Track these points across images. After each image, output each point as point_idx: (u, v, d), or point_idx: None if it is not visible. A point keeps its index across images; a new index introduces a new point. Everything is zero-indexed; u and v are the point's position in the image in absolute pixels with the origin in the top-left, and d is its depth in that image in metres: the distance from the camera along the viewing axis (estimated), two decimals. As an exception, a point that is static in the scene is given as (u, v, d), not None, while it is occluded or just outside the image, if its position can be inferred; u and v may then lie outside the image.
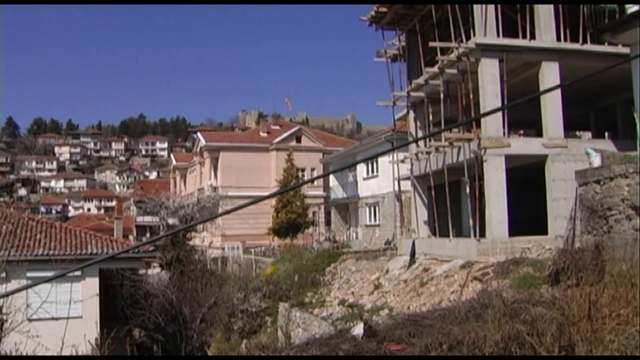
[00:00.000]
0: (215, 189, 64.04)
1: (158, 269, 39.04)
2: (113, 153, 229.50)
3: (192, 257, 38.00)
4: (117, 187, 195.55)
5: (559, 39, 24.70)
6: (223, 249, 53.81)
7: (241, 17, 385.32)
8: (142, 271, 34.16)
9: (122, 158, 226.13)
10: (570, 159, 23.17)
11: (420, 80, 28.23)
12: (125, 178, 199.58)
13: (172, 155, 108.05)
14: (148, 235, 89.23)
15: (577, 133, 32.05)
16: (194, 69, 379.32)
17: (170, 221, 41.31)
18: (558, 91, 23.17)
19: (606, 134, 28.90)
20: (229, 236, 56.35)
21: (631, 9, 18.75)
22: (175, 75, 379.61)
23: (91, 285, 26.77)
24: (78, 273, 25.77)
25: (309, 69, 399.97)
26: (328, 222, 60.82)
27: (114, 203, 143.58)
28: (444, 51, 25.99)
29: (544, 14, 24.70)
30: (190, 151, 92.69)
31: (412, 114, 31.57)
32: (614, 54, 22.80)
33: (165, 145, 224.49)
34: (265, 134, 72.71)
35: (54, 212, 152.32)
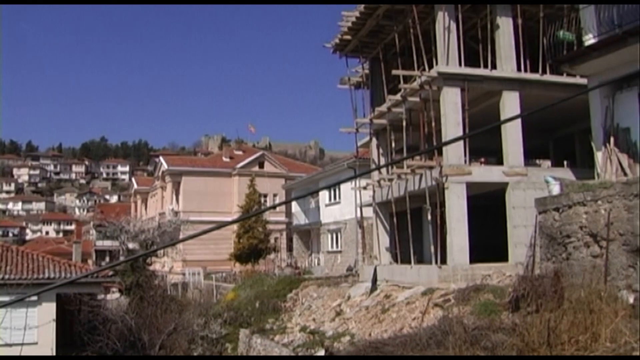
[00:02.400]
0: (176, 213, 63.44)
1: (117, 294, 38.39)
2: (73, 176, 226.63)
3: (152, 282, 37.40)
4: (76, 210, 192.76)
5: (519, 69, 25.13)
6: (184, 274, 53.15)
7: (204, 41, 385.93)
8: (100, 296, 33.62)
9: (82, 181, 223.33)
10: (530, 187, 23.46)
11: (383, 107, 28.43)
12: (85, 201, 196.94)
13: (133, 179, 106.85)
14: (107, 259, 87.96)
15: (537, 161, 32.46)
16: (157, 93, 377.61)
17: (131, 245, 40.71)
18: (518, 120, 23.48)
19: (565, 162, 29.32)
20: (189, 261, 55.74)
21: (588, 41, 19.15)
22: (138, 98, 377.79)
23: (48, 310, 26.29)
24: (34, 298, 25.30)
25: (272, 94, 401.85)
26: (290, 248, 60.59)
27: (73, 226, 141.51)
28: (407, 79, 26.24)
29: (505, 45, 25.14)
30: (152, 175, 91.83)
31: (374, 141, 31.77)
32: (572, 85, 23.28)
33: (127, 168, 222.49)
34: (227, 159, 72.36)
35: (11, 235, 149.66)
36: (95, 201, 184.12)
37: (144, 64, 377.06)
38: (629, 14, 17.48)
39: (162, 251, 49.13)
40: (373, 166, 32.49)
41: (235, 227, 52.99)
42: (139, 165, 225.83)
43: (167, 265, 56.26)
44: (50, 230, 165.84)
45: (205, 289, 46.05)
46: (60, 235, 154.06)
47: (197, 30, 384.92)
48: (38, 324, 25.18)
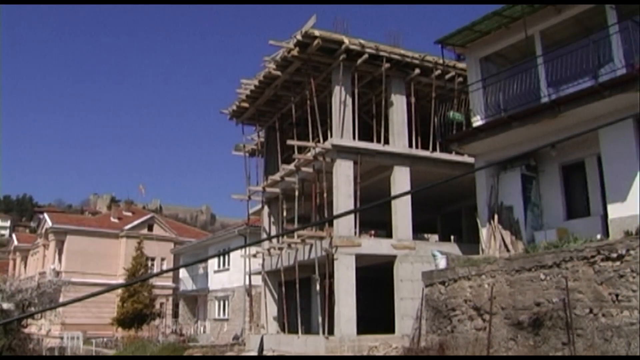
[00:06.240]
0: (58, 273, 61.04)
1: (-15, 359, 36.26)
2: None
3: (26, 346, 35.55)
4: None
5: (410, 146, 25.93)
6: (62, 338, 50.84)
7: (96, 96, 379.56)
8: (-35, 361, 31.62)
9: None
10: (417, 260, 23.94)
11: (277, 176, 28.60)
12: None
13: (14, 235, 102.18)
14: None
15: (425, 235, 33.32)
16: (45, 146, 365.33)
17: (5, 306, 38.72)
18: (408, 195, 24.11)
19: (452, 237, 30.19)
20: (69, 325, 53.47)
21: (476, 122, 20.07)
22: (25, 151, 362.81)
23: None
24: None
25: (164, 156, 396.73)
26: (176, 314, 59.25)
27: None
28: (301, 150, 26.57)
29: (398, 122, 25.94)
30: (35, 232, 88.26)
31: (266, 209, 31.82)
32: (461, 163, 24.28)
33: (8, 223, 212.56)
34: (116, 220, 70.61)
35: None
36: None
37: (31, 115, 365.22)
38: (514, 100, 18.49)
39: (39, 313, 46.96)
40: (264, 234, 32.41)
41: (119, 290, 51.44)
42: (21, 220, 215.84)
43: (45, 328, 53.69)
44: None
45: (85, 354, 44.20)
46: None
47: (89, 85, 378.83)
48: None
